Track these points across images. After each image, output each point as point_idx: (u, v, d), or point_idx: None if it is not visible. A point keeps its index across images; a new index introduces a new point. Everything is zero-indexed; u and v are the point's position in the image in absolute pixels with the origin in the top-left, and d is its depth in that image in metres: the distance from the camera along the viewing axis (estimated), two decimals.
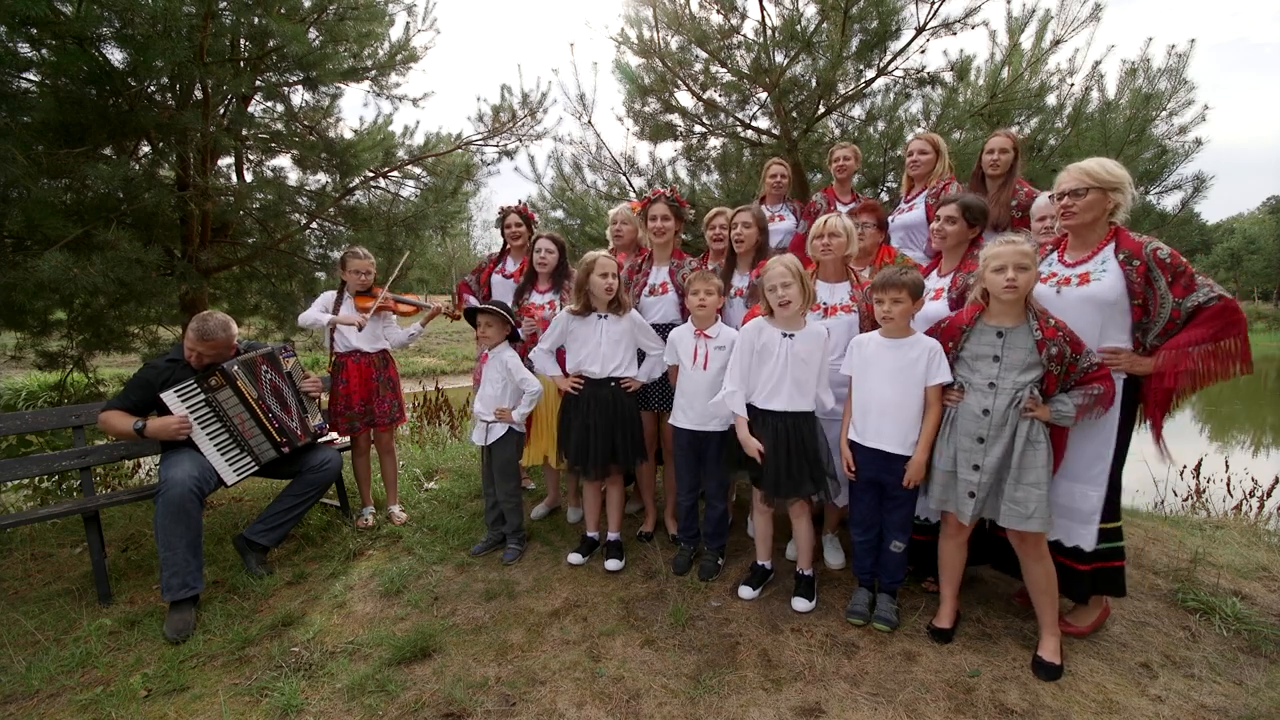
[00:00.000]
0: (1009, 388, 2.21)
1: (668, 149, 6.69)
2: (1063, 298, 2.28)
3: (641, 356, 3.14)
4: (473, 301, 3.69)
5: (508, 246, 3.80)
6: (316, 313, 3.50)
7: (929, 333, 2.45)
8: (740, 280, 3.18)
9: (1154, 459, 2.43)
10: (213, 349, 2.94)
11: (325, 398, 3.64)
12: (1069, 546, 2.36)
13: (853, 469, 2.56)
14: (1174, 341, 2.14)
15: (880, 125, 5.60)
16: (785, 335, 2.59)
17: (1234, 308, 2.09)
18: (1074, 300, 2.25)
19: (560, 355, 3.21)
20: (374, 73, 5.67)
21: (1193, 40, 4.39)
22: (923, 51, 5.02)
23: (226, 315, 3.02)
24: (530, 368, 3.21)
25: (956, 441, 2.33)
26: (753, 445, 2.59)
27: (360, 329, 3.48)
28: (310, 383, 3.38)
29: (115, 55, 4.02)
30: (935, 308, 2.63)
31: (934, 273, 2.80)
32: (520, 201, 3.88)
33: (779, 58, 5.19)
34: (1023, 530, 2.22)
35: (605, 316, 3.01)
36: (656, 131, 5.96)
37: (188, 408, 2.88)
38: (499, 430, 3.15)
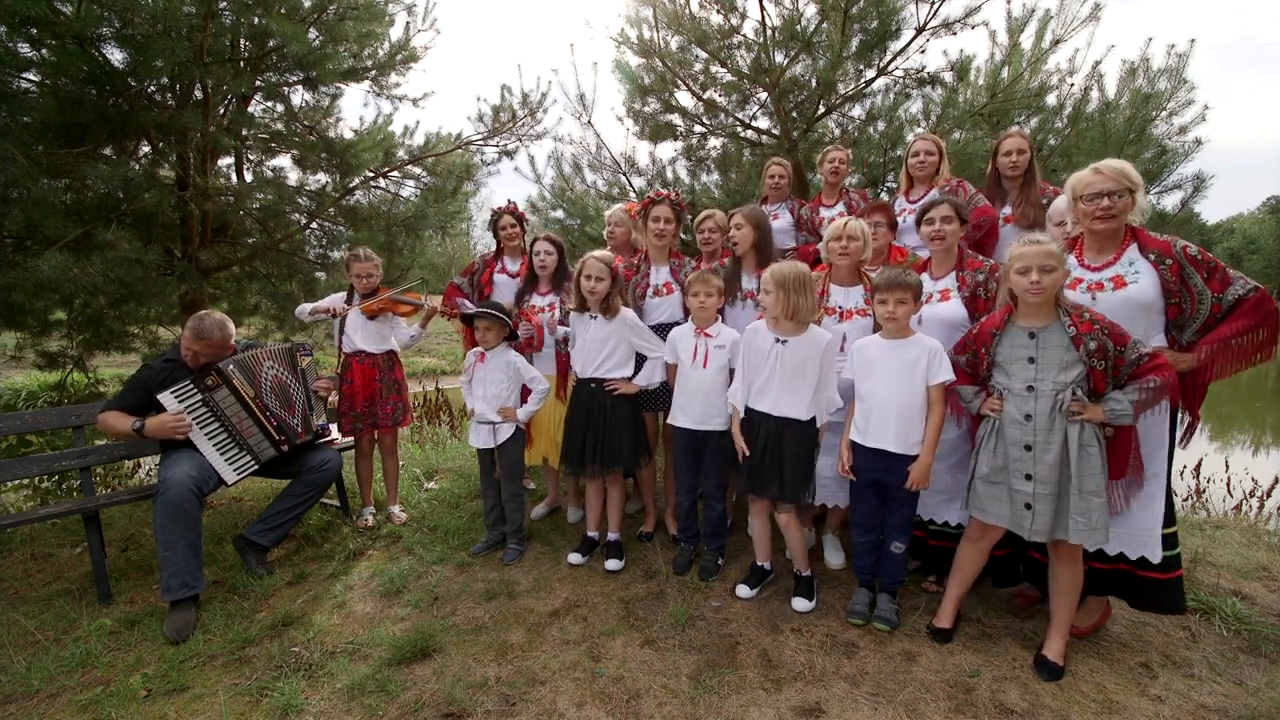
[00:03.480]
0: (1049, 390, 2.13)
1: (668, 149, 6.68)
2: (1099, 303, 2.23)
3: (641, 361, 3.13)
4: (466, 305, 3.68)
5: (502, 247, 3.80)
6: (304, 305, 3.61)
7: (960, 342, 2.41)
8: (749, 283, 3.15)
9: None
10: (209, 348, 2.94)
11: (334, 397, 3.66)
12: (1130, 558, 2.28)
13: (851, 470, 2.55)
14: (1215, 335, 2.14)
15: (880, 125, 5.60)
16: (778, 340, 2.59)
17: (1268, 297, 2.11)
18: (1113, 305, 2.21)
19: None
20: (374, 73, 5.66)
21: (1193, 40, 4.39)
22: (923, 51, 5.03)
23: (223, 314, 3.02)
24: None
25: (1005, 451, 2.24)
26: (739, 442, 2.68)
27: (335, 315, 3.53)
28: (321, 384, 3.39)
29: (115, 55, 4.02)
30: (948, 309, 2.60)
31: (925, 275, 2.74)
32: (510, 201, 3.85)
33: (779, 58, 5.19)
34: (1093, 546, 2.14)
35: (595, 317, 3.01)
36: (656, 131, 5.96)
37: (185, 408, 2.88)
38: (507, 430, 3.16)
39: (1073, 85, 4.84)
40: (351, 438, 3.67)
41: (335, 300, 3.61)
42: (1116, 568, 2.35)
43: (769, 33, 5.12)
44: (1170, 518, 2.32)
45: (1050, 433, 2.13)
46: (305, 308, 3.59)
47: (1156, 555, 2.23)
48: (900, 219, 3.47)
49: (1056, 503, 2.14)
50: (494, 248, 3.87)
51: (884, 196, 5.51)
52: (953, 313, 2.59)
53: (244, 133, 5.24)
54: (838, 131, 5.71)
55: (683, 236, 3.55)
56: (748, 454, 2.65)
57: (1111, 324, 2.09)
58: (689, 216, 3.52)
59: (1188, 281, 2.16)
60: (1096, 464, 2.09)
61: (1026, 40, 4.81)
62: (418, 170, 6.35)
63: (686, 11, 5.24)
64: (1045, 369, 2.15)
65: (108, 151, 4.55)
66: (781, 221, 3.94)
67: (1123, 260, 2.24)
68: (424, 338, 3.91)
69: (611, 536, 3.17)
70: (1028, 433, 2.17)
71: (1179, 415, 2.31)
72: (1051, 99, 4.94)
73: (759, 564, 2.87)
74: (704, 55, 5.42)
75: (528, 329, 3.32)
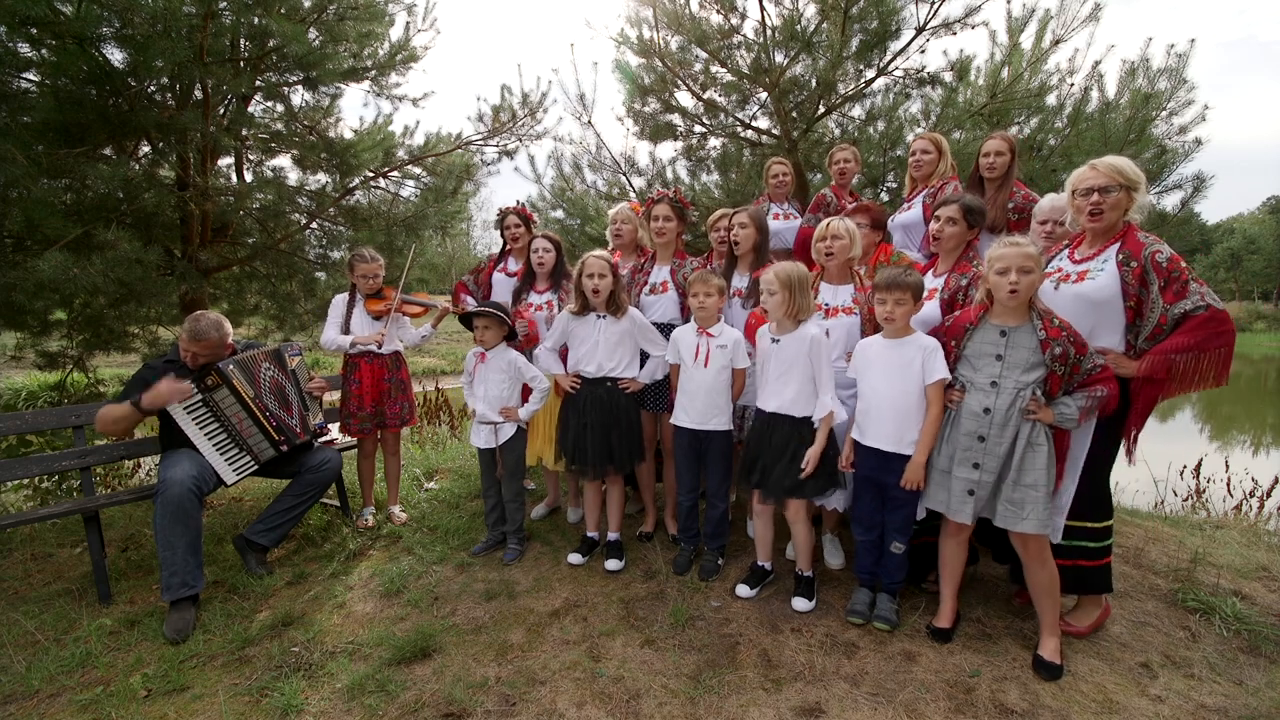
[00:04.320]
0: (1011, 387, 2.20)
1: (668, 149, 6.72)
2: (1059, 294, 2.29)
3: (645, 358, 3.14)
4: (470, 301, 3.69)
5: (508, 247, 3.80)
6: (334, 334, 3.51)
7: (933, 331, 2.45)
8: (739, 280, 3.18)
9: (1154, 459, 2.43)
10: (207, 348, 2.94)
11: (333, 396, 3.64)
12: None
13: (852, 465, 2.58)
14: (1160, 347, 2.14)
15: (880, 125, 5.61)
16: (773, 340, 2.63)
17: (1221, 318, 2.06)
18: (1068, 297, 2.26)
19: (563, 354, 3.22)
20: (374, 73, 5.66)
21: (1192, 40, 4.40)
22: (923, 51, 5.03)
23: (218, 314, 3.01)
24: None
25: (956, 440, 2.32)
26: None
27: (380, 346, 3.50)
28: (315, 384, 3.38)
29: (115, 55, 4.02)
30: (926, 309, 2.62)
31: (929, 273, 2.80)
32: (519, 202, 3.87)
33: (779, 58, 5.19)
34: (1018, 531, 2.22)
35: (604, 317, 3.01)
36: (656, 131, 5.97)
37: (185, 409, 2.88)
38: (509, 430, 3.15)
39: (1073, 85, 4.85)
40: (356, 438, 3.67)
41: (360, 322, 3.53)
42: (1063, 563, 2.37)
43: (769, 33, 5.12)
44: (1107, 513, 2.38)
45: (1004, 428, 2.21)
46: (344, 341, 3.47)
47: (1057, 536, 2.32)
48: (891, 218, 3.48)
49: (992, 489, 2.26)
50: (499, 247, 3.88)
51: (884, 197, 5.52)
52: (928, 313, 2.61)
53: (244, 133, 5.24)
54: (838, 131, 5.72)
55: (684, 236, 3.54)
56: (743, 448, 2.69)
57: (1075, 332, 2.16)
58: (694, 214, 3.52)
59: (1148, 287, 2.15)
60: (1042, 460, 2.19)
61: (1026, 40, 4.82)
62: (418, 170, 6.35)
63: (686, 11, 5.24)
64: (1011, 367, 2.21)
65: (108, 151, 4.55)
66: (794, 221, 3.94)
67: (1100, 257, 2.26)
68: (431, 336, 3.91)
69: (611, 536, 3.17)
70: (984, 425, 2.25)
71: (1122, 423, 2.29)
72: (1051, 99, 4.95)
73: (759, 564, 2.87)
74: (704, 55, 5.42)
75: (521, 326, 3.32)
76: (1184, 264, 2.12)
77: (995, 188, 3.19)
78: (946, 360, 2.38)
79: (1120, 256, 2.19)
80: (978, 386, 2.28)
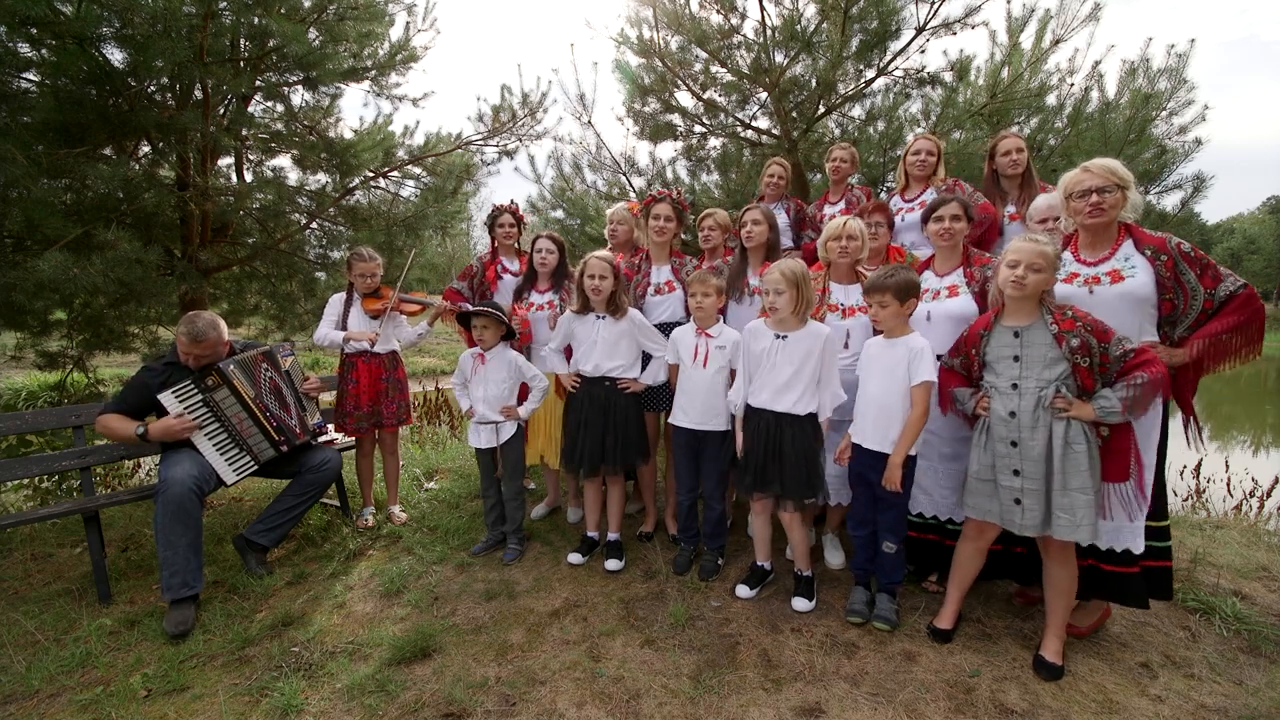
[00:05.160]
0: (1033, 387, 2.17)
1: (668, 149, 6.71)
2: (1096, 297, 2.27)
3: (647, 359, 3.14)
4: (464, 305, 3.68)
5: (497, 245, 3.80)
6: (328, 329, 3.51)
7: (954, 345, 2.43)
8: (756, 279, 3.16)
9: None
10: (207, 349, 2.94)
11: (329, 396, 3.64)
12: (1116, 551, 2.29)
13: (847, 460, 2.61)
14: (1206, 330, 2.19)
15: (880, 125, 5.60)
16: (778, 337, 2.62)
17: (1255, 294, 2.17)
18: (1110, 298, 2.25)
19: (569, 353, 3.22)
20: (374, 73, 5.68)
21: (1193, 40, 4.40)
22: (923, 51, 5.03)
23: (213, 314, 3.02)
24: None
25: (993, 448, 2.27)
26: (739, 438, 2.70)
27: (373, 344, 3.49)
28: (310, 384, 3.38)
29: (115, 55, 4.03)
30: (958, 305, 2.60)
31: (929, 273, 2.76)
32: (512, 201, 3.87)
33: (779, 58, 5.19)
34: (1073, 540, 2.14)
35: (603, 317, 3.01)
36: (656, 131, 5.96)
37: (185, 408, 2.88)
38: (509, 430, 3.15)
39: (1073, 85, 4.85)
40: (353, 437, 3.66)
41: (357, 322, 3.53)
42: (1084, 563, 2.33)
43: (769, 33, 5.12)
44: (1163, 511, 2.35)
45: (1034, 429, 2.17)
46: (336, 336, 3.48)
47: (1139, 546, 2.27)
48: (899, 218, 3.47)
49: (1045, 499, 2.17)
50: (490, 247, 3.87)
51: (883, 196, 5.51)
52: (963, 307, 2.59)
53: (244, 133, 5.25)
54: (838, 131, 5.72)
55: (684, 237, 3.54)
56: (744, 448, 2.68)
57: (1094, 321, 2.13)
58: (691, 216, 3.52)
59: (1181, 278, 2.21)
60: (1083, 462, 2.11)
61: (1026, 40, 4.82)
62: (418, 170, 6.36)
63: (686, 11, 5.24)
64: (1030, 366, 2.19)
65: (108, 151, 4.56)
66: (780, 221, 3.95)
67: (1118, 255, 2.28)
68: (429, 336, 3.90)
69: (611, 536, 3.17)
70: (1013, 429, 2.21)
71: (1168, 409, 2.32)
72: (1051, 99, 4.95)
73: (759, 564, 2.87)
74: (704, 55, 5.42)
75: (514, 324, 3.32)
76: (1202, 251, 2.23)
77: (1018, 184, 3.22)
78: (973, 370, 2.36)
79: (1148, 251, 2.23)
80: (1001, 390, 2.25)
